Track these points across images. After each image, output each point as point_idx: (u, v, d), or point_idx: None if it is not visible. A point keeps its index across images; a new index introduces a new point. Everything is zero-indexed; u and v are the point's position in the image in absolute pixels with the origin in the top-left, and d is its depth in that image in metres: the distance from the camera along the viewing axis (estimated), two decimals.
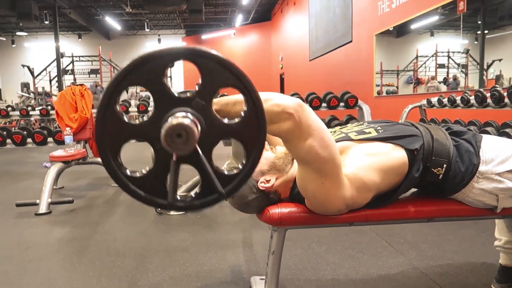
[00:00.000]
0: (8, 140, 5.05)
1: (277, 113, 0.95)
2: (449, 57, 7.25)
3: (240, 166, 1.26)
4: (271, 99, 0.96)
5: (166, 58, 0.64)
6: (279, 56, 15.75)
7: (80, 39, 18.02)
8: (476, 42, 6.16)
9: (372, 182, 1.13)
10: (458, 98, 3.85)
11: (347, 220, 1.22)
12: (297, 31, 12.86)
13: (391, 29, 7.01)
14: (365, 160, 1.14)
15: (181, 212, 2.75)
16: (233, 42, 17.52)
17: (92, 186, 3.86)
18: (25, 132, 5.05)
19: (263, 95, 0.95)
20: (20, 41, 18.31)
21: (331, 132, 1.33)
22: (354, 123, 1.35)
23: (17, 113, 5.67)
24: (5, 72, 18.63)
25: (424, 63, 7.78)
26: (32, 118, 8.22)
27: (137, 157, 6.07)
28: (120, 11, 14.15)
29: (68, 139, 3.36)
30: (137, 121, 0.66)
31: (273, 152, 1.28)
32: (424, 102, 4.54)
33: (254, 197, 1.21)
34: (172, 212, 2.74)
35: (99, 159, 3.74)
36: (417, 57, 7.84)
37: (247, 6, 14.47)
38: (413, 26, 6.84)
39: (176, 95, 0.65)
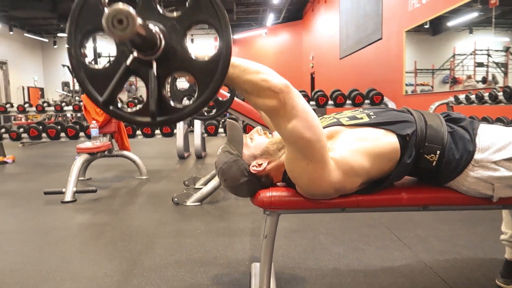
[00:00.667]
0: (44, 134, 5.34)
1: (263, 88, 0.97)
2: (488, 55, 6.93)
3: (234, 152, 1.29)
4: (261, 73, 0.97)
5: None
6: (310, 55, 15.64)
7: None
8: None
9: (360, 166, 1.13)
10: (486, 95, 3.72)
11: (338, 205, 1.22)
12: (328, 29, 12.74)
13: (426, 26, 6.80)
14: (354, 145, 1.14)
15: (197, 203, 2.81)
16: (264, 41, 17.53)
17: (117, 178, 4.01)
18: (58, 127, 5.32)
19: (255, 66, 0.98)
20: (61, 42, 19.09)
21: (325, 117, 1.34)
22: (349, 110, 1.35)
23: (52, 108, 5.98)
24: (48, 72, 19.52)
25: (461, 61, 7.47)
26: (68, 114, 8.63)
27: (160, 153, 6.21)
28: None
29: (94, 132, 3.52)
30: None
31: (267, 137, 1.31)
32: (452, 99, 4.41)
33: (246, 180, 1.23)
34: (188, 203, 2.82)
35: (124, 152, 3.90)
36: (454, 55, 7.56)
37: (279, 5, 14.46)
38: (450, 24, 6.61)
39: (161, 11, 0.68)
